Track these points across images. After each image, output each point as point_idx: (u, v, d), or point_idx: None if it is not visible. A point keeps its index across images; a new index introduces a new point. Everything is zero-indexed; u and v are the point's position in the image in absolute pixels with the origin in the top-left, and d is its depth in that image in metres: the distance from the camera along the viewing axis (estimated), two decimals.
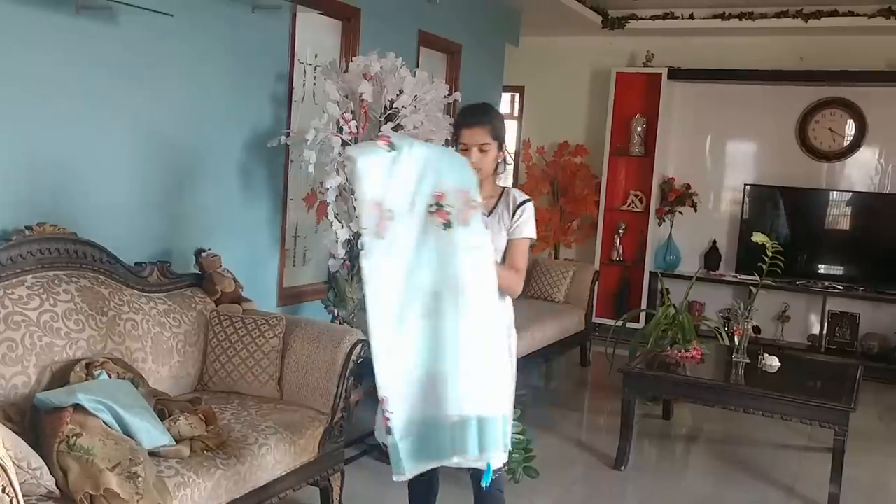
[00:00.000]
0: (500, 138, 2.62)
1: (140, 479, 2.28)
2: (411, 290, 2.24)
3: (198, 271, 3.62)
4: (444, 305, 2.23)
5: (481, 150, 2.57)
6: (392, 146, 2.26)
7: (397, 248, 2.24)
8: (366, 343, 3.40)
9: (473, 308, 2.24)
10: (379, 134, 2.40)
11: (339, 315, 4.18)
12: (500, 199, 2.69)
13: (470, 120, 2.60)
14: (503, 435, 2.27)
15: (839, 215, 6.85)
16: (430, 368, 2.24)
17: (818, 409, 3.84)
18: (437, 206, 2.26)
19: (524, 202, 2.67)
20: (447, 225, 2.25)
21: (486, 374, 2.25)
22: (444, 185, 2.27)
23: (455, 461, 2.27)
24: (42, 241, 2.90)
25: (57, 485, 2.26)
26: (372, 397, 4.47)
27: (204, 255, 3.62)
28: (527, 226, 2.66)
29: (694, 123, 7.31)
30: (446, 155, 2.39)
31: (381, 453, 4.05)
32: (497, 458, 2.32)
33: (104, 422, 2.47)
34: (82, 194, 3.27)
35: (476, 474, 2.51)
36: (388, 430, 2.26)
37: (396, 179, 2.25)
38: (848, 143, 6.80)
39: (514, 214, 2.65)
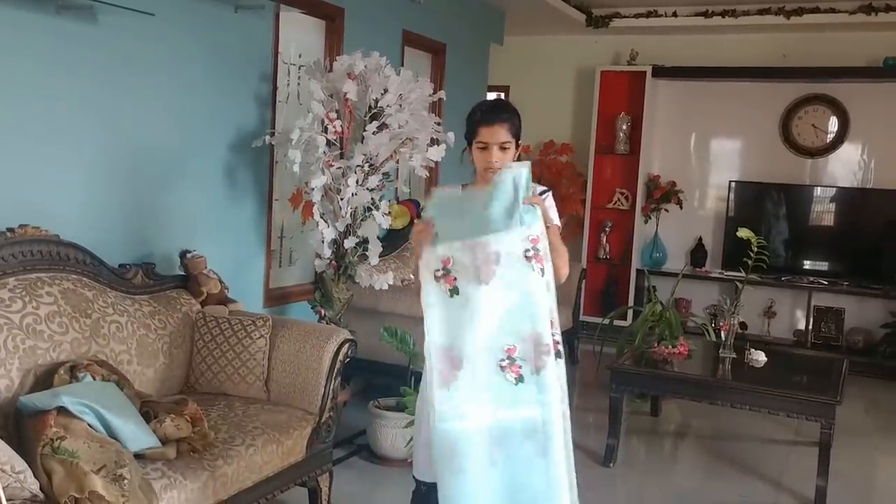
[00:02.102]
0: (518, 135, 2.50)
1: (126, 481, 2.26)
2: None
3: (183, 273, 3.60)
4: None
5: (502, 149, 2.43)
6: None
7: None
8: (353, 343, 3.41)
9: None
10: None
11: (326, 315, 4.17)
12: None
13: (490, 117, 2.45)
14: None
15: (823, 211, 6.90)
16: None
17: (804, 402, 3.86)
18: (508, 361, 2.22)
19: (544, 191, 2.53)
20: (519, 380, 2.22)
21: None
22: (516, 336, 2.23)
23: None
24: (24, 242, 2.87)
25: (41, 488, 2.24)
26: (358, 397, 4.45)
27: (189, 256, 3.59)
28: (552, 211, 2.50)
29: (678, 121, 7.34)
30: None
31: (372, 455, 4.05)
32: None
33: (89, 424, 2.45)
34: (65, 196, 3.24)
35: None
36: None
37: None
38: (831, 139, 6.85)
39: None
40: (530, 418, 2.22)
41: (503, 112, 2.47)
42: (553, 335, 2.23)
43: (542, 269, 2.24)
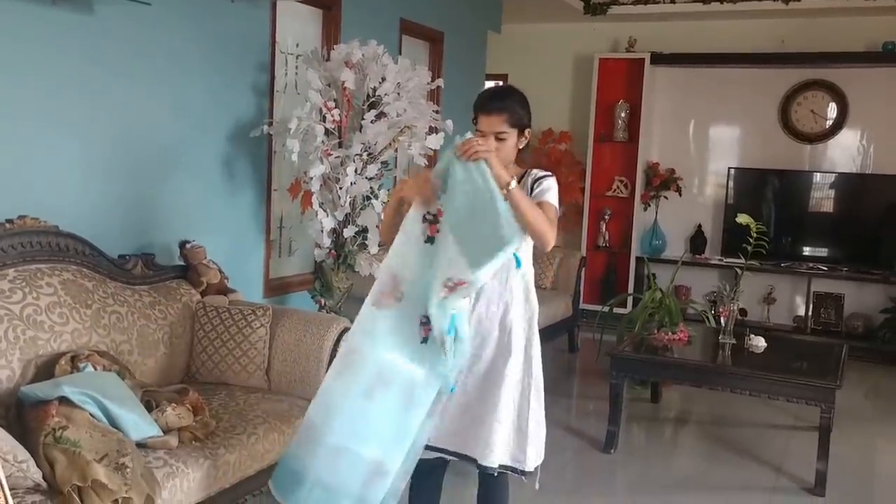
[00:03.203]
0: (520, 125, 2.46)
1: (128, 469, 2.27)
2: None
3: (182, 263, 3.61)
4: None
5: (498, 139, 2.43)
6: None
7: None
8: None
9: None
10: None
11: (326, 305, 4.17)
12: (521, 181, 2.53)
13: (487, 106, 2.44)
14: None
15: (822, 197, 6.90)
16: None
17: (804, 387, 3.87)
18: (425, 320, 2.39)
19: (544, 176, 2.54)
20: (424, 341, 2.41)
21: None
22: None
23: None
24: (23, 234, 2.87)
25: (44, 477, 2.24)
26: None
27: (188, 246, 3.59)
28: (549, 193, 2.49)
29: (677, 108, 7.32)
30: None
31: None
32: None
33: (91, 414, 2.45)
34: (64, 187, 3.24)
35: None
36: None
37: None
38: (830, 124, 6.84)
39: (532, 188, 2.51)
40: (412, 375, 2.39)
41: (499, 101, 2.44)
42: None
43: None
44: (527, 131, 2.49)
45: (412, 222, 2.43)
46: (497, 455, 2.46)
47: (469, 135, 2.34)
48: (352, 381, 2.42)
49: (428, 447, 2.49)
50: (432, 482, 2.69)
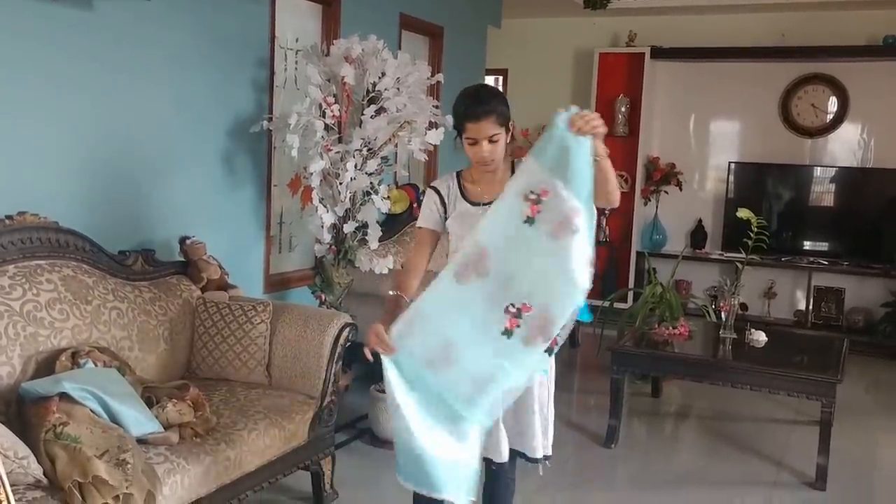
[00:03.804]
0: (507, 122, 2.43)
1: (129, 465, 2.27)
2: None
3: (183, 259, 3.60)
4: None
5: (491, 142, 2.39)
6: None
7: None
8: (353, 327, 3.41)
9: None
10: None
11: (326, 300, 4.17)
12: (513, 170, 2.52)
13: (475, 112, 2.37)
14: None
15: (823, 191, 6.89)
16: None
17: (805, 381, 3.87)
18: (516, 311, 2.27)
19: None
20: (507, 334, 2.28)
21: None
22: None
23: None
24: (23, 230, 2.87)
25: (45, 473, 2.25)
26: (359, 382, 4.45)
27: (188, 242, 3.59)
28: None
29: (678, 102, 7.31)
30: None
31: (374, 439, 4.06)
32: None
33: (91, 410, 2.46)
34: (63, 183, 3.23)
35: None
36: None
37: None
38: (830, 118, 6.82)
39: None
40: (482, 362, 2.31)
41: (487, 104, 2.39)
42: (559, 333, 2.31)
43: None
44: (511, 125, 2.48)
45: (511, 198, 2.29)
46: (537, 445, 2.54)
47: (574, 108, 2.24)
48: (414, 346, 2.32)
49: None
50: None
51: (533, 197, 2.26)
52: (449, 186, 2.56)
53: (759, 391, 4.08)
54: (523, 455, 2.57)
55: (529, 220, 2.26)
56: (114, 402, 2.52)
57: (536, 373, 2.42)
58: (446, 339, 2.30)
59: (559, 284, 2.27)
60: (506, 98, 2.48)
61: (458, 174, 2.58)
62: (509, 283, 2.27)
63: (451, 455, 2.32)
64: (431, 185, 2.61)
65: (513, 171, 2.50)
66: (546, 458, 2.60)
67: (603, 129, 2.22)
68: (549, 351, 2.30)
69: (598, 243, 6.03)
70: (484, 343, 2.28)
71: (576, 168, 2.23)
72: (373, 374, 4.47)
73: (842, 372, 3.89)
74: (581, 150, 2.22)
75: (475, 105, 2.39)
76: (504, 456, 2.53)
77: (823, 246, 6.89)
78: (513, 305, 2.26)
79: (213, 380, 3.28)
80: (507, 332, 2.27)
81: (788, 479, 3.92)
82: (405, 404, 2.32)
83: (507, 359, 2.28)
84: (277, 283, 4.51)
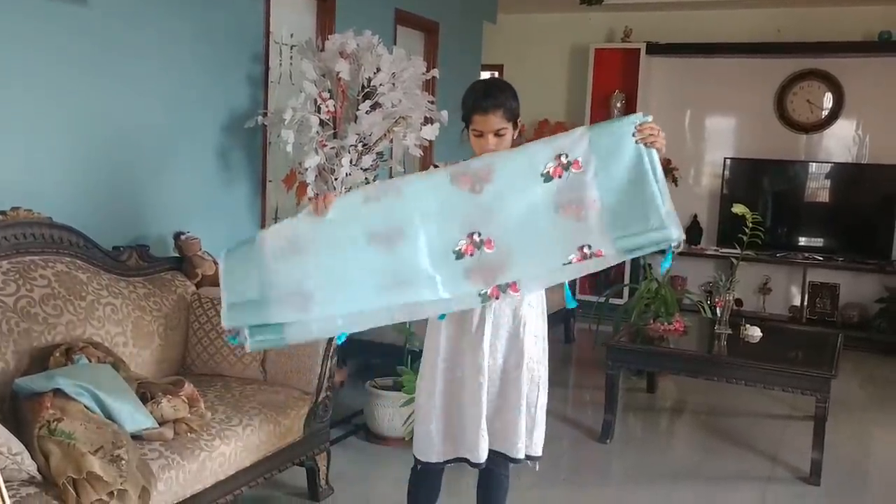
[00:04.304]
0: (515, 117, 2.40)
1: (123, 462, 2.26)
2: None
3: (177, 255, 3.60)
4: None
5: (497, 136, 2.37)
6: None
7: None
8: None
9: None
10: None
11: None
12: None
13: (483, 104, 2.35)
14: None
15: (818, 187, 6.89)
16: None
17: (800, 377, 3.88)
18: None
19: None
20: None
21: None
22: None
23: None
24: (17, 225, 2.86)
25: (39, 470, 2.24)
26: (355, 378, 4.44)
27: (183, 238, 3.59)
28: None
29: (673, 98, 7.31)
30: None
31: (370, 434, 4.06)
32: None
33: (85, 406, 2.45)
34: (57, 178, 3.22)
35: (489, 454, 2.50)
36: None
37: None
38: (826, 114, 6.83)
39: None
40: (420, 265, 2.26)
41: (496, 97, 2.37)
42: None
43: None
44: (519, 121, 2.47)
45: (543, 149, 2.27)
46: (521, 446, 2.49)
47: (651, 118, 2.28)
48: (369, 214, 2.24)
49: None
50: (431, 483, 2.66)
51: (564, 161, 2.25)
52: None
53: (753, 387, 4.08)
54: (504, 455, 2.51)
55: (546, 177, 2.25)
56: (108, 397, 2.51)
57: (450, 310, 2.32)
58: (402, 225, 2.23)
59: (532, 249, 2.25)
60: (516, 93, 2.46)
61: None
62: (492, 214, 2.25)
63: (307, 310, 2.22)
64: (436, 163, 2.58)
65: None
66: (531, 458, 2.54)
67: (662, 146, 2.25)
68: (483, 297, 2.25)
69: None
70: (432, 251, 2.24)
71: (616, 171, 2.23)
72: (368, 370, 4.48)
73: (836, 367, 3.90)
74: (633, 157, 2.23)
75: (484, 98, 2.38)
76: (480, 457, 2.45)
77: (818, 242, 6.90)
78: (479, 234, 2.25)
79: (208, 375, 3.27)
80: (458, 254, 2.25)
81: (783, 474, 3.93)
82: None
83: (442, 277, 2.23)
84: None
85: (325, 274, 2.22)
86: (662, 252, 2.30)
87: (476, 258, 2.24)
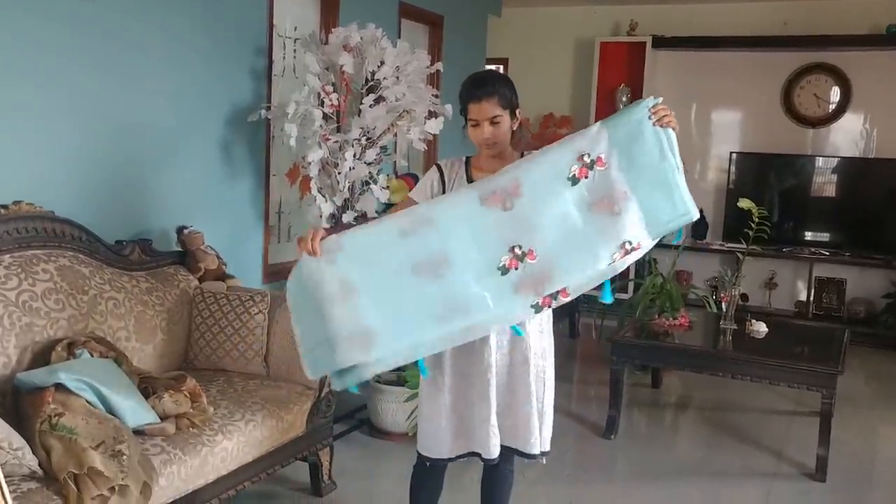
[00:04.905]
0: (511, 105, 2.41)
1: (125, 457, 2.25)
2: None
3: (180, 249, 3.58)
4: None
5: (493, 123, 2.38)
6: None
7: None
8: None
9: None
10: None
11: None
12: None
13: (476, 93, 2.37)
14: None
15: (825, 181, 6.85)
16: None
17: (806, 372, 3.85)
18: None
19: None
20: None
21: None
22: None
23: None
24: (19, 219, 2.85)
25: (40, 465, 2.23)
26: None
27: (186, 232, 3.57)
28: None
29: (679, 92, 7.24)
30: None
31: (373, 429, 4.05)
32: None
33: (87, 401, 2.44)
34: (59, 172, 3.20)
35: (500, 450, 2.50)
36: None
37: None
38: (833, 108, 6.79)
39: None
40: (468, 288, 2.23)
41: (488, 85, 2.39)
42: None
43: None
44: (517, 112, 2.46)
45: (565, 151, 2.26)
46: (535, 441, 2.48)
47: (661, 100, 2.33)
48: (408, 246, 2.21)
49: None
50: (435, 479, 2.64)
51: (587, 161, 2.25)
52: (455, 168, 2.53)
53: (759, 382, 4.06)
54: (518, 451, 2.51)
55: (573, 180, 2.25)
56: (110, 392, 2.50)
57: (508, 324, 2.31)
58: (444, 252, 2.21)
59: (576, 253, 2.24)
60: (512, 83, 2.45)
61: (468, 159, 2.55)
62: (528, 226, 2.23)
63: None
64: (438, 162, 2.58)
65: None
66: (543, 453, 2.55)
67: (676, 126, 2.31)
68: (535, 307, 2.25)
69: None
70: (477, 271, 2.21)
71: (640, 159, 2.25)
72: None
73: (843, 363, 3.88)
74: (653, 141, 2.26)
75: (476, 87, 2.40)
76: (493, 453, 2.44)
77: (825, 236, 6.86)
78: (520, 247, 2.22)
79: (210, 370, 3.27)
80: (504, 269, 2.23)
81: (788, 471, 3.91)
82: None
83: (491, 294, 2.21)
84: (276, 273, 4.48)
85: (381, 309, 2.19)
86: None
87: (521, 270, 2.23)
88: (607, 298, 2.43)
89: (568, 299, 2.30)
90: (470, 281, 2.21)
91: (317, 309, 2.18)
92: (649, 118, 2.28)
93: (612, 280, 2.41)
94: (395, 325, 2.18)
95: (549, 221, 2.24)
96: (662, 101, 2.33)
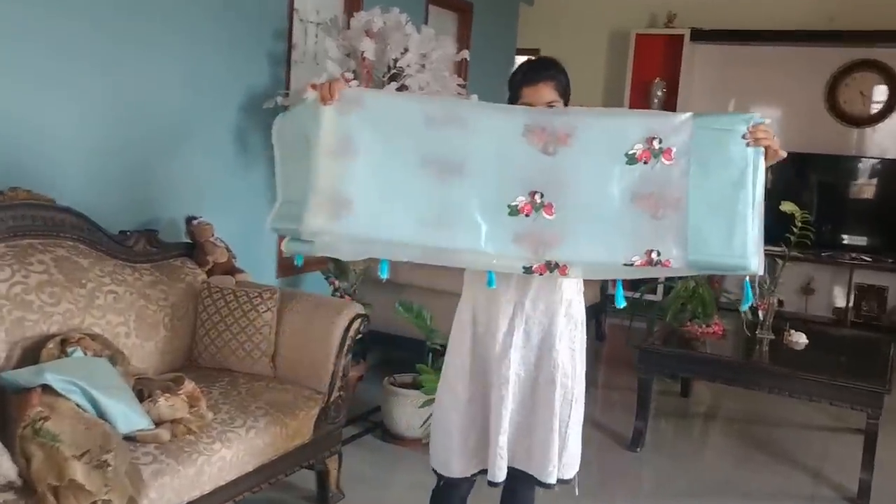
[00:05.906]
0: (566, 94, 2.21)
1: (110, 468, 2.08)
2: None
3: (188, 240, 3.42)
4: None
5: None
6: None
7: None
8: (365, 318, 3.21)
9: None
10: None
11: (339, 287, 3.98)
12: None
13: (533, 77, 2.17)
14: None
15: (868, 184, 6.55)
16: None
17: (851, 390, 3.59)
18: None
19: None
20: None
21: None
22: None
23: None
24: (15, 207, 2.69)
25: (20, 474, 2.07)
26: (375, 371, 4.24)
27: (195, 222, 3.41)
28: None
29: (717, 87, 6.98)
30: None
31: (386, 434, 3.87)
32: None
33: (76, 404, 2.28)
34: (62, 158, 3.05)
35: (514, 473, 2.28)
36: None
37: None
38: (880, 107, 6.47)
39: None
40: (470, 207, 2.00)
41: (547, 69, 2.19)
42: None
43: None
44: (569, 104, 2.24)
45: (635, 122, 1.98)
46: (552, 469, 2.25)
47: (768, 121, 2.00)
48: (428, 137, 1.98)
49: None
50: (458, 495, 2.44)
51: (656, 146, 1.95)
52: None
53: (798, 398, 3.81)
54: (531, 477, 2.28)
55: (630, 159, 1.94)
56: (101, 395, 2.34)
57: (490, 263, 2.02)
58: (462, 159, 1.96)
59: (596, 234, 1.96)
60: (566, 71, 2.25)
61: None
62: (560, 179, 1.95)
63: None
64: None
65: None
66: (561, 481, 2.30)
67: (775, 155, 2.03)
68: (526, 269, 1.98)
69: None
70: (486, 198, 1.96)
71: (714, 174, 1.94)
72: (388, 365, 4.29)
73: (890, 380, 3.62)
74: (738, 160, 1.95)
75: (532, 71, 2.20)
76: (497, 476, 2.22)
77: (866, 241, 6.56)
78: (542, 196, 1.95)
79: (214, 370, 3.09)
80: (514, 210, 1.96)
81: (827, 494, 3.67)
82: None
83: (488, 228, 1.96)
84: (291, 267, 4.32)
85: (371, 184, 1.96)
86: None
87: (531, 220, 1.95)
88: (620, 303, 2.16)
89: (563, 278, 2.06)
90: (474, 203, 1.96)
91: (305, 155, 1.98)
92: (744, 136, 1.95)
93: (638, 283, 2.14)
94: (376, 207, 1.96)
95: (585, 188, 1.96)
96: (768, 121, 2.00)
